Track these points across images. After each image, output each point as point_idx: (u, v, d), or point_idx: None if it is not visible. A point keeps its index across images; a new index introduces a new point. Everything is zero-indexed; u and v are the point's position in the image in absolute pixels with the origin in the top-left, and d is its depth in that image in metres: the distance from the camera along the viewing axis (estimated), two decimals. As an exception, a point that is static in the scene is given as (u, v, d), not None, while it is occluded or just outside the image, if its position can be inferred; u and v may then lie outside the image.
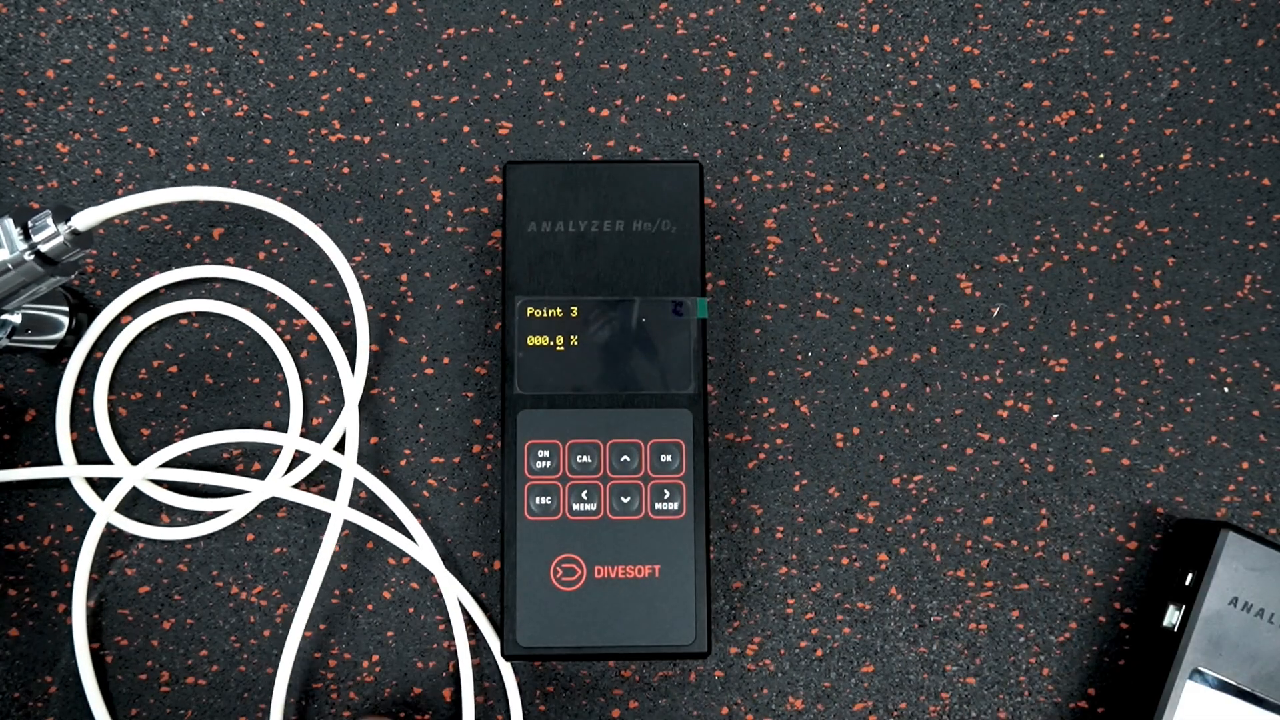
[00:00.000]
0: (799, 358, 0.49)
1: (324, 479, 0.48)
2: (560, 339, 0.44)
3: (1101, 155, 0.50)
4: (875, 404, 0.49)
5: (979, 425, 0.49)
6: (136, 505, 0.47)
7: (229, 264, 0.48)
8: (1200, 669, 0.44)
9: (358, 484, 0.47)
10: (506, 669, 0.46)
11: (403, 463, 0.48)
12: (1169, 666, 0.44)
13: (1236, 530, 0.44)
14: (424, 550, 0.46)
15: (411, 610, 0.47)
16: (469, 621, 0.47)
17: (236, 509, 0.47)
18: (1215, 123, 0.50)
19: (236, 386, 0.48)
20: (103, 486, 0.47)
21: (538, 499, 0.43)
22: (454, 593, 0.46)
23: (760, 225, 0.49)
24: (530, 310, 0.44)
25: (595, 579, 0.43)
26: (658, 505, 0.43)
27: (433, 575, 0.47)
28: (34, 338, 0.46)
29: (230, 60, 0.49)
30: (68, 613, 0.47)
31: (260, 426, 0.47)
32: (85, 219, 0.39)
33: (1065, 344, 0.49)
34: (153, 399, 0.48)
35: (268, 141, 0.49)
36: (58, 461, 0.47)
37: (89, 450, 0.47)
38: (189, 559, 0.47)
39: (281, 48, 0.49)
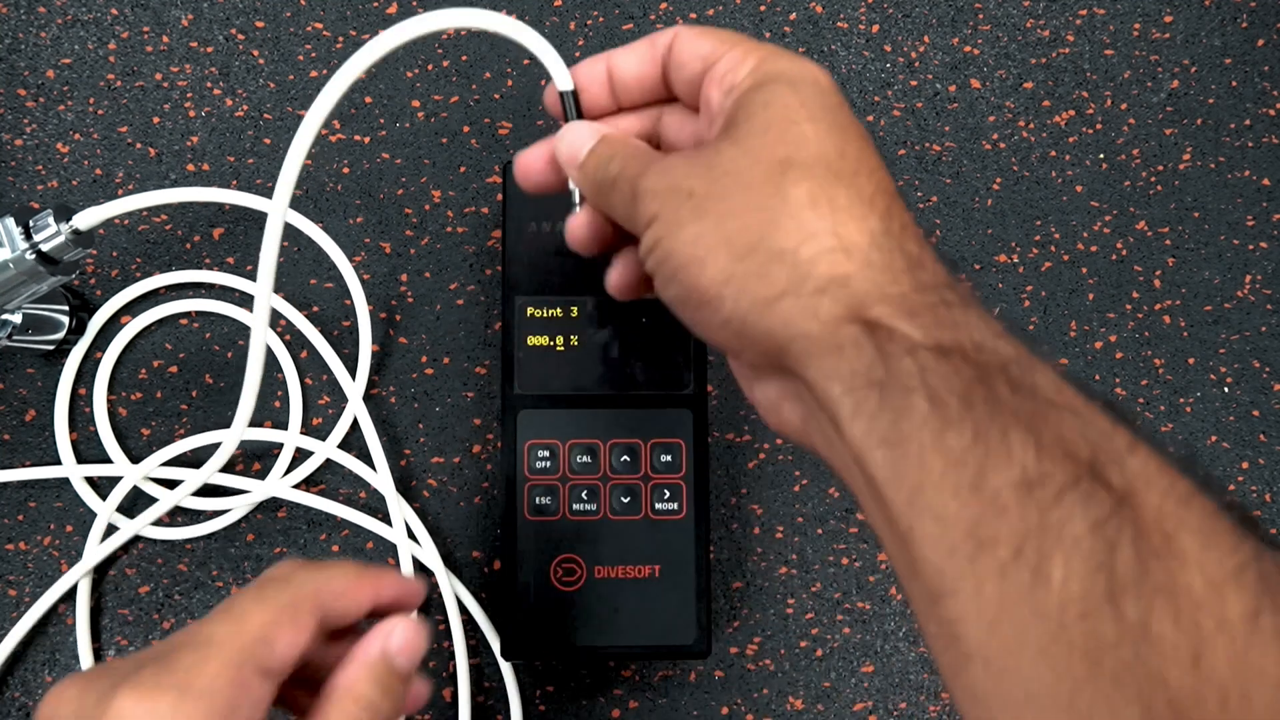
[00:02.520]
0: (799, 358, 0.49)
1: (324, 479, 0.48)
2: (560, 339, 0.44)
3: (1101, 155, 0.50)
4: (875, 404, 0.49)
5: (979, 425, 0.49)
6: (137, 505, 0.47)
7: (229, 264, 0.48)
8: (1200, 669, 0.44)
9: (358, 483, 0.48)
10: (506, 669, 0.46)
11: (403, 463, 0.48)
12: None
13: (1236, 530, 0.44)
14: (424, 550, 0.47)
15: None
16: (469, 621, 0.47)
17: (236, 509, 0.47)
18: (1215, 123, 0.50)
19: (236, 386, 0.48)
20: (103, 486, 0.47)
21: (538, 499, 0.43)
22: (454, 593, 0.46)
23: (760, 225, 0.49)
24: (530, 310, 0.44)
25: (595, 579, 0.43)
26: (658, 505, 0.43)
27: (433, 575, 0.47)
28: (34, 338, 0.46)
29: (230, 60, 0.49)
30: (68, 613, 0.47)
31: (260, 426, 0.47)
32: (86, 219, 0.39)
33: (1065, 344, 0.49)
34: (153, 399, 0.48)
35: (268, 141, 0.49)
36: (57, 461, 0.47)
37: (89, 450, 0.47)
38: (189, 559, 0.47)
39: (281, 48, 0.49)
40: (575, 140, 0.31)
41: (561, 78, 0.32)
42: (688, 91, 0.30)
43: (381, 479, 0.47)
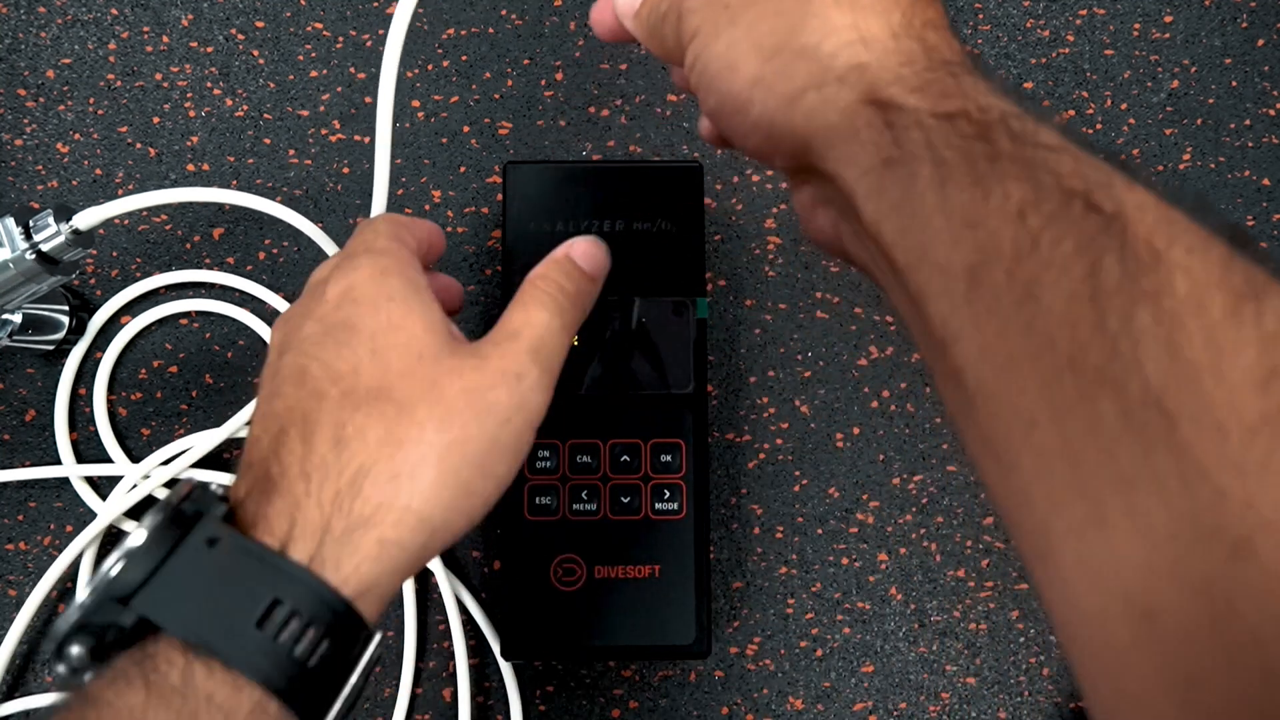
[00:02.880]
0: (799, 358, 0.49)
1: (324, 479, 0.48)
2: (560, 339, 0.44)
3: (1101, 155, 0.50)
4: (875, 404, 0.49)
5: (979, 425, 0.49)
6: (137, 505, 0.47)
7: (229, 264, 0.48)
8: (1200, 669, 0.44)
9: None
10: (506, 669, 0.46)
11: (403, 463, 0.48)
12: (1169, 666, 0.44)
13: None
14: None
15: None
16: (469, 621, 0.47)
17: (236, 509, 0.47)
18: (1215, 123, 0.50)
19: (236, 386, 0.48)
20: (103, 486, 0.47)
21: (538, 499, 0.43)
22: (454, 593, 0.46)
23: (760, 225, 0.49)
24: (530, 310, 0.44)
25: (595, 579, 0.43)
26: (658, 505, 0.43)
27: (433, 575, 0.47)
28: (34, 338, 0.46)
29: (230, 60, 0.49)
30: (68, 613, 0.47)
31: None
32: (86, 219, 0.39)
33: (1065, 344, 0.49)
34: (153, 399, 0.48)
35: (268, 141, 0.49)
36: (57, 461, 0.47)
37: (89, 450, 0.47)
38: (189, 559, 0.47)
39: (281, 48, 0.49)
40: None
41: None
42: None
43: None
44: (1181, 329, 0.19)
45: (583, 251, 0.34)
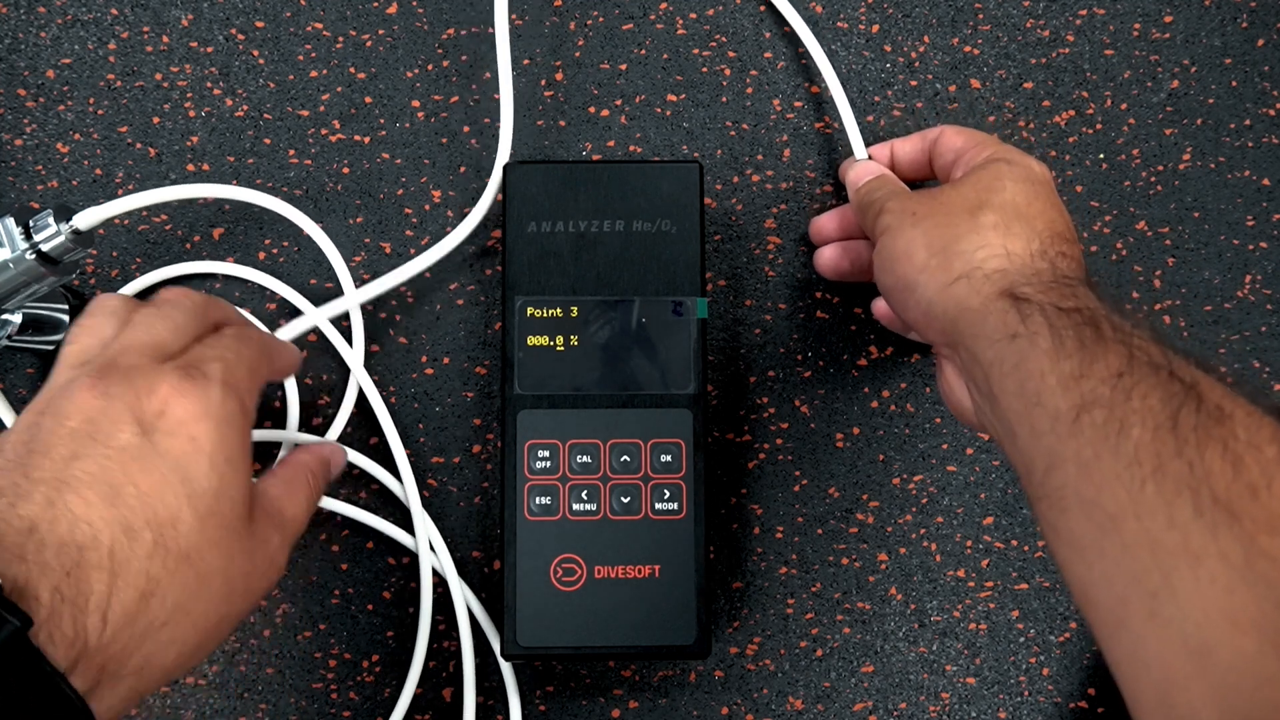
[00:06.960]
0: (799, 358, 0.49)
1: (324, 479, 0.48)
2: (560, 339, 0.44)
3: (1101, 155, 0.50)
4: (875, 404, 0.49)
5: (979, 425, 0.49)
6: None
7: (229, 263, 0.48)
8: (1200, 669, 0.44)
9: (359, 484, 0.48)
10: (506, 669, 0.46)
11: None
12: (1169, 666, 0.44)
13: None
14: (432, 552, 0.47)
15: (411, 610, 0.47)
16: (469, 621, 0.47)
17: (236, 509, 0.47)
18: (1215, 123, 0.50)
19: (236, 386, 0.48)
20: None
21: (538, 499, 0.43)
22: (456, 593, 0.46)
23: (760, 225, 0.49)
24: (530, 310, 0.44)
25: (595, 579, 0.43)
26: (658, 505, 0.43)
27: (432, 575, 0.47)
28: (34, 338, 0.46)
29: (230, 60, 0.49)
30: (68, 613, 0.47)
31: (260, 426, 0.47)
32: (86, 218, 0.39)
33: (1065, 344, 0.49)
34: (153, 399, 0.48)
35: (268, 141, 0.49)
36: (58, 461, 0.47)
37: (89, 450, 0.47)
38: (189, 559, 0.47)
39: (281, 48, 0.49)
40: (864, 170, 0.44)
41: (860, 151, 0.47)
42: (942, 171, 0.43)
43: (401, 465, 0.47)
44: (1241, 462, 0.25)
45: (339, 462, 0.41)
